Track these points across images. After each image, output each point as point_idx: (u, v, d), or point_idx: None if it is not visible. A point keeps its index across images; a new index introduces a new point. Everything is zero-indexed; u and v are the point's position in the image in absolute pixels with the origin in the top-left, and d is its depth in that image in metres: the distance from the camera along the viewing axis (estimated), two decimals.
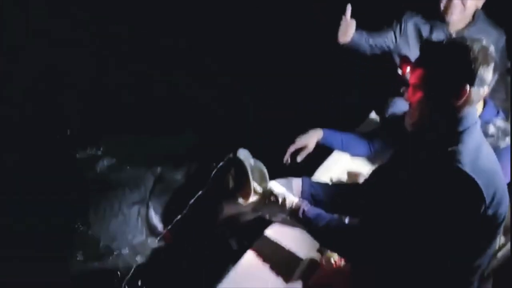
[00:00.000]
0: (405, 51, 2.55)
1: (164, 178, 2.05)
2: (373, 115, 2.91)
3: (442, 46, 1.34)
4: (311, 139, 2.26)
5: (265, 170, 1.71)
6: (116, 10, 4.52)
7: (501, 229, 1.41)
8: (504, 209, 1.34)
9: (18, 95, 3.40)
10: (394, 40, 2.57)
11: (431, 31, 2.49)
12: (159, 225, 1.87)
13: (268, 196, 1.66)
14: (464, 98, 1.31)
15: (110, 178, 2.10)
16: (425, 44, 1.40)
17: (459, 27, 2.46)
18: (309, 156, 2.27)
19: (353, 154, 2.40)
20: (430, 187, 1.29)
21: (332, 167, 2.31)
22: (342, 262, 1.94)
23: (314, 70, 3.91)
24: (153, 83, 3.96)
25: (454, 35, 2.43)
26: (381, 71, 2.75)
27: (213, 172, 1.74)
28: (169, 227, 1.80)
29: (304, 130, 2.29)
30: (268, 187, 1.68)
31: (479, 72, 1.29)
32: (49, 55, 3.85)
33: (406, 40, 2.55)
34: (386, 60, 2.63)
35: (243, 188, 1.64)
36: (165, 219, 1.90)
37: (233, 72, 4.09)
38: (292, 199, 1.64)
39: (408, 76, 1.45)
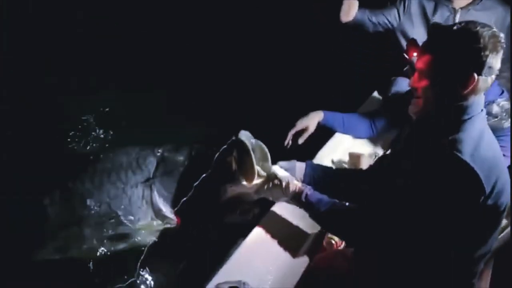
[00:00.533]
0: (408, 29, 2.51)
1: (166, 160, 2.04)
2: (376, 94, 2.88)
3: (451, 32, 1.28)
4: (311, 121, 2.24)
5: (267, 150, 1.72)
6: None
7: (503, 217, 1.39)
8: (506, 198, 1.32)
9: None
10: (397, 18, 2.52)
11: (435, 9, 2.44)
12: (164, 208, 1.87)
13: (272, 180, 1.67)
14: (471, 87, 1.27)
15: (112, 159, 2.09)
16: (433, 29, 1.34)
17: (463, 4, 2.41)
18: (311, 138, 2.26)
19: (355, 135, 2.39)
20: (430, 176, 1.27)
21: (334, 149, 2.30)
22: (343, 244, 1.97)
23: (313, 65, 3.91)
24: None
25: (459, 13, 2.38)
26: (384, 50, 2.70)
27: (216, 155, 1.73)
28: (176, 209, 1.80)
29: (305, 112, 2.28)
30: (272, 171, 1.69)
31: (488, 60, 1.24)
32: None
33: (410, 18, 2.50)
34: (389, 38, 2.58)
35: (247, 170, 1.64)
36: (169, 201, 1.90)
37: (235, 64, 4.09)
38: (296, 183, 1.64)
39: (414, 60, 1.40)
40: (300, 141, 2.23)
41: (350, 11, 2.35)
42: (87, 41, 4.11)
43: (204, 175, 1.74)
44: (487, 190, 1.23)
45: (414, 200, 1.30)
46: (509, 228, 1.99)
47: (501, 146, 1.84)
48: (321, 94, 3.31)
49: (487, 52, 1.23)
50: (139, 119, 3.23)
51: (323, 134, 2.36)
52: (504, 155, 1.85)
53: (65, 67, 3.71)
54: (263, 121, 2.31)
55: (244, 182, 1.67)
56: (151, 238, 1.91)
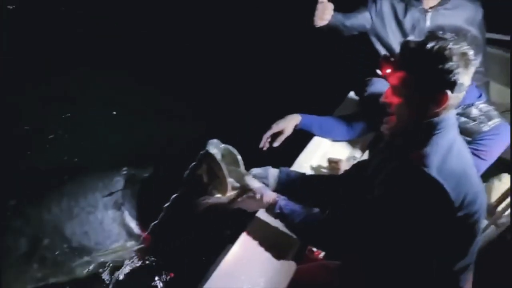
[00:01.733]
0: (381, 31, 2.48)
1: (134, 178, 1.94)
2: (352, 94, 2.85)
3: (425, 51, 1.29)
4: (288, 123, 2.20)
5: (237, 153, 1.71)
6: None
7: (480, 225, 1.40)
8: (478, 206, 1.34)
9: None
10: (370, 21, 2.48)
11: (406, 10, 2.42)
12: (136, 228, 1.79)
13: (245, 191, 1.65)
14: (444, 105, 1.31)
15: (78, 182, 1.98)
16: (406, 46, 1.34)
17: (433, 3, 2.39)
18: (289, 142, 2.22)
19: (333, 138, 2.36)
20: (399, 191, 1.30)
21: (313, 154, 2.25)
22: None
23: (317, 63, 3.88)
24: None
25: (429, 13, 2.37)
26: (360, 52, 2.68)
27: (186, 173, 1.68)
28: (148, 231, 1.73)
29: (281, 115, 2.23)
30: (245, 182, 1.67)
31: (459, 79, 1.29)
32: None
33: (382, 20, 2.46)
34: (364, 41, 2.55)
35: (220, 183, 1.62)
36: (141, 221, 1.82)
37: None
38: (270, 194, 1.63)
39: (387, 76, 1.41)
40: (276, 144, 2.18)
41: (324, 15, 2.28)
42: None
43: (174, 195, 1.68)
44: (456, 202, 1.26)
45: (386, 214, 1.32)
46: (488, 230, 2.01)
47: (479, 150, 1.85)
48: (323, 93, 3.30)
49: (458, 70, 1.28)
50: (102, 132, 3.14)
51: (303, 137, 2.33)
52: (482, 158, 1.86)
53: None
54: (260, 122, 2.24)
55: (218, 195, 1.64)
56: (127, 259, 1.83)
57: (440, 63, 1.27)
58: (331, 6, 2.29)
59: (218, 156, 1.60)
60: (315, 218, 1.56)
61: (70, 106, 3.36)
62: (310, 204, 1.64)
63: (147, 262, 1.79)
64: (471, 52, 1.30)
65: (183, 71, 4.08)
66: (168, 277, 1.93)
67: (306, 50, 3.50)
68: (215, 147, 1.63)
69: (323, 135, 2.34)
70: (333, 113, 2.59)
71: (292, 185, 1.79)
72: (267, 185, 1.75)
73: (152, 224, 1.68)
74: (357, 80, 2.75)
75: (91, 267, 1.78)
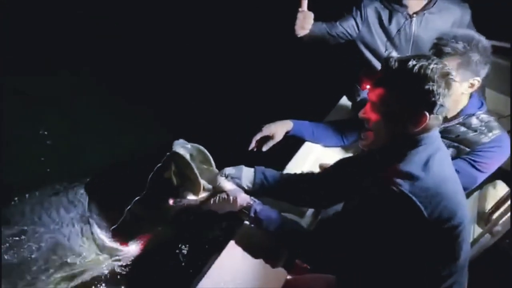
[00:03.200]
0: (368, 39, 2.45)
1: (98, 188, 1.84)
2: (345, 99, 2.82)
3: (405, 70, 1.27)
4: (279, 128, 2.16)
5: (207, 152, 1.67)
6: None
7: (464, 237, 1.37)
8: (459, 220, 1.32)
9: None
10: (356, 29, 2.45)
11: (390, 16, 2.39)
12: (107, 239, 1.71)
13: (218, 193, 1.62)
14: (422, 125, 1.29)
15: (40, 198, 1.85)
16: (387, 63, 1.31)
17: (418, 8, 2.37)
18: (280, 148, 2.17)
19: (325, 144, 2.32)
20: (373, 205, 1.30)
21: (304, 159, 2.20)
22: None
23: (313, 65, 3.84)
24: None
25: (414, 18, 2.35)
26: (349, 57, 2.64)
27: (151, 175, 1.63)
28: (110, 238, 1.66)
29: (273, 119, 2.18)
30: (218, 183, 1.63)
31: (440, 99, 1.27)
32: None
33: (368, 27, 2.44)
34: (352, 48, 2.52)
35: (191, 184, 1.58)
36: (111, 231, 1.73)
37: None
38: (244, 198, 1.60)
39: (367, 92, 1.39)
40: (265, 148, 2.13)
41: (305, 24, 2.25)
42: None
43: (137, 198, 1.62)
44: (431, 217, 1.24)
45: (361, 229, 1.32)
46: (483, 238, 1.97)
47: (478, 162, 1.80)
48: (320, 94, 3.27)
49: (439, 91, 1.26)
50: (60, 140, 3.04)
51: (294, 142, 2.28)
52: (480, 170, 1.81)
53: None
54: (252, 126, 2.19)
55: (190, 196, 1.60)
56: (103, 272, 1.74)
57: (421, 84, 1.26)
58: (311, 14, 2.25)
59: (187, 156, 1.55)
60: (291, 227, 1.54)
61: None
62: (286, 201, 1.67)
63: (125, 273, 1.71)
64: (453, 73, 1.30)
65: (158, 73, 4.05)
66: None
67: (299, 54, 3.47)
68: (182, 147, 1.58)
69: (315, 141, 2.30)
70: (326, 118, 2.56)
71: (267, 185, 1.76)
72: (239, 185, 1.72)
73: (112, 228, 1.61)
74: (349, 85, 2.72)
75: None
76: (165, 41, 4.46)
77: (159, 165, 1.61)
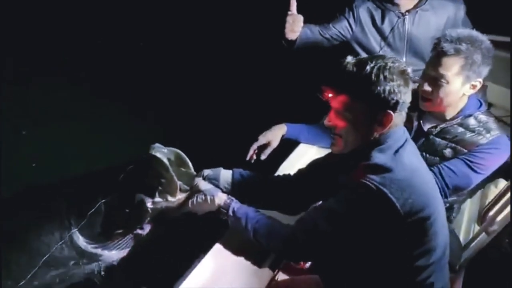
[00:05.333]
0: (362, 39, 2.45)
1: (78, 195, 1.83)
2: None
3: (364, 74, 1.29)
4: (274, 134, 2.18)
5: (184, 155, 1.69)
6: None
7: (439, 227, 1.38)
8: (431, 211, 1.33)
9: None
10: (350, 30, 2.45)
11: (383, 15, 2.39)
12: (86, 245, 1.71)
13: (195, 194, 1.64)
14: (389, 125, 1.33)
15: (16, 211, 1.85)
16: (344, 69, 1.33)
17: (410, 6, 2.36)
18: (274, 149, 2.18)
19: (321, 145, 2.31)
20: (345, 200, 1.34)
21: (298, 161, 2.21)
22: None
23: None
24: None
25: (407, 16, 2.33)
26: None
27: (121, 176, 1.65)
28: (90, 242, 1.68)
29: (268, 125, 2.20)
30: (195, 183, 1.66)
31: (401, 98, 1.31)
32: None
33: (362, 28, 2.43)
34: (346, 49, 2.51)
35: (168, 185, 1.59)
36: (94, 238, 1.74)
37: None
38: (221, 196, 1.62)
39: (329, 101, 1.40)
40: (263, 157, 2.14)
41: (295, 27, 2.23)
42: None
43: (101, 201, 1.63)
44: (403, 209, 1.25)
45: (337, 224, 1.35)
46: (480, 237, 1.93)
47: (475, 163, 1.76)
48: (316, 96, 3.24)
49: (400, 89, 1.29)
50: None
51: (288, 144, 2.28)
52: (476, 171, 1.77)
53: None
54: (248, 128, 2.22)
55: (169, 198, 1.62)
56: (83, 277, 1.74)
57: (382, 85, 1.28)
58: (300, 17, 2.24)
59: (164, 159, 1.57)
60: (269, 223, 1.55)
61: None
62: (265, 204, 1.67)
63: (107, 277, 1.72)
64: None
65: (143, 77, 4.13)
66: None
67: (295, 56, 3.48)
68: (158, 151, 1.60)
69: (310, 142, 2.31)
70: (322, 119, 2.55)
71: (245, 186, 1.77)
72: (217, 186, 1.73)
73: (70, 233, 1.62)
74: None
75: None
76: (158, 44, 4.56)
77: (130, 166, 1.63)
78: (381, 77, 1.28)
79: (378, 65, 1.28)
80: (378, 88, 1.28)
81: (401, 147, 1.35)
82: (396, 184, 1.26)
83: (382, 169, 1.28)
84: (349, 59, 1.35)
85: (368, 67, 1.28)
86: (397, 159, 1.32)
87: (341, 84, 1.35)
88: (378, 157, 1.32)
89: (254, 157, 2.15)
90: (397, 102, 1.30)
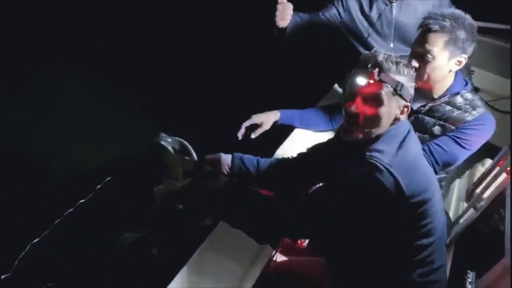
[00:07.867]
0: (352, 27, 2.49)
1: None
2: (337, 87, 2.87)
3: (398, 65, 1.41)
4: (267, 117, 2.24)
5: (187, 143, 1.74)
6: None
7: (437, 208, 1.44)
8: (431, 194, 1.40)
9: None
10: (338, 18, 2.49)
11: (371, 3, 2.43)
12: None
13: (200, 173, 1.64)
14: (404, 114, 1.45)
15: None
16: (387, 58, 1.41)
17: None
18: (269, 135, 2.24)
19: (315, 129, 2.39)
20: (355, 180, 1.34)
21: (294, 145, 2.27)
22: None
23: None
24: None
25: (394, 3, 2.38)
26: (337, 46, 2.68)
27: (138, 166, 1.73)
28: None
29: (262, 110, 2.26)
30: (199, 166, 1.68)
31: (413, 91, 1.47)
32: None
33: (350, 15, 2.47)
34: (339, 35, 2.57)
35: (173, 171, 1.65)
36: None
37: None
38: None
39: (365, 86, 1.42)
40: (253, 135, 2.21)
41: (285, 15, 2.26)
42: None
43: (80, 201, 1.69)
44: (407, 190, 1.31)
45: (343, 203, 1.36)
46: (468, 213, 2.01)
47: (462, 139, 1.84)
48: (311, 84, 3.32)
49: (413, 84, 1.46)
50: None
51: (283, 130, 2.35)
52: (464, 147, 1.85)
53: None
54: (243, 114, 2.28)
55: (174, 183, 1.66)
56: None
57: (409, 76, 1.43)
58: (290, 5, 2.27)
59: (169, 147, 1.65)
60: (272, 201, 1.54)
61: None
62: (265, 186, 1.71)
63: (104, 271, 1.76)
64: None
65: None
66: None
67: (288, 46, 3.52)
68: (163, 140, 1.67)
69: (304, 127, 2.38)
70: (317, 105, 2.62)
71: (245, 169, 1.80)
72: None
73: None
74: (340, 73, 2.76)
75: None
76: (152, 39, 4.57)
77: (145, 156, 1.71)
78: (407, 69, 1.43)
79: (399, 57, 1.44)
80: (407, 79, 1.43)
81: (406, 135, 1.43)
82: (403, 166, 1.32)
83: (389, 151, 1.36)
84: (376, 50, 1.49)
85: (395, 58, 1.42)
86: (403, 145, 1.40)
87: (378, 73, 1.38)
88: (387, 141, 1.41)
89: (243, 133, 2.19)
90: (412, 95, 1.46)
